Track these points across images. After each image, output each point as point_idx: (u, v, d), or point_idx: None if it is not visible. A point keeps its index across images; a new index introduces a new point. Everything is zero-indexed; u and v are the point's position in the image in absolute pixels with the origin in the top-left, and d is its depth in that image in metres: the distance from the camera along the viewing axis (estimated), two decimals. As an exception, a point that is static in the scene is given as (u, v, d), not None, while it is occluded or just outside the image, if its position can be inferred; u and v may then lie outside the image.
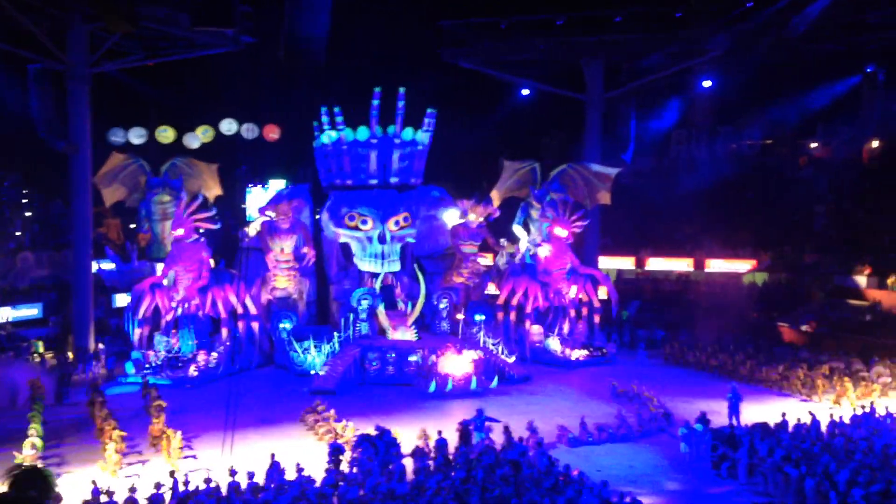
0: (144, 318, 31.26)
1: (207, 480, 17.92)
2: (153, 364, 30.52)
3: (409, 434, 21.70)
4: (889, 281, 37.97)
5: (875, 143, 47.87)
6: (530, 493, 17.00)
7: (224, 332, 31.91)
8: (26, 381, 27.11)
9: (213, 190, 38.48)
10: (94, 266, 35.45)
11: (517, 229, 37.73)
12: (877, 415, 23.67)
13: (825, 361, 31.09)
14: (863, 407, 24.69)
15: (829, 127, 50.99)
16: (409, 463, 20.02)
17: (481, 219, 35.46)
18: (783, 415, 23.18)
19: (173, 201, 33.54)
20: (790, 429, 22.24)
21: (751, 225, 47.29)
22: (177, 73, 41.74)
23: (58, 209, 45.00)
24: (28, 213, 44.76)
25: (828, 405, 26.88)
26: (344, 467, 19.54)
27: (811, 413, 23.36)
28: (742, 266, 45.91)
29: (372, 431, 21.08)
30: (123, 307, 34.58)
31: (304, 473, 18.56)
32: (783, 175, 51.36)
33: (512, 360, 31.87)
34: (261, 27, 37.06)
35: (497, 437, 21.98)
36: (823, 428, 22.39)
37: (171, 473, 18.38)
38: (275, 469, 18.95)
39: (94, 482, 17.81)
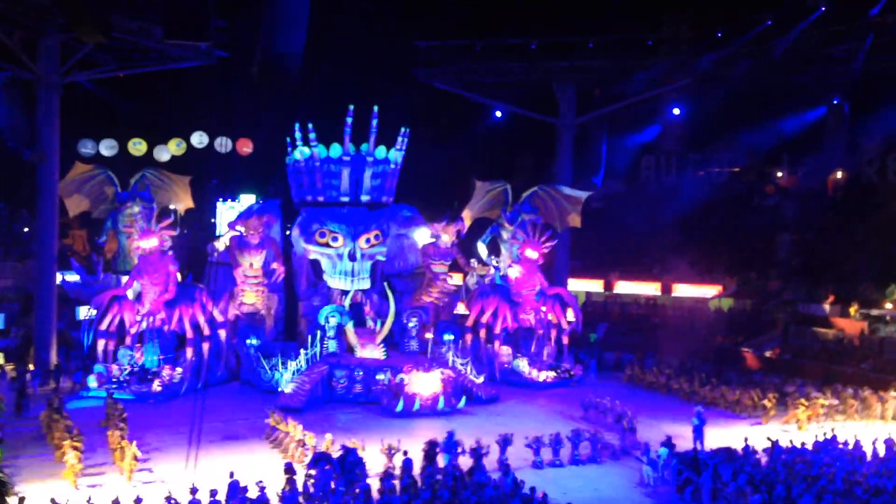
0: (108, 331, 30.79)
1: (168, 499, 17.62)
2: (117, 378, 30.03)
3: (375, 453, 21.56)
4: (851, 310, 38.62)
5: (839, 174, 48.86)
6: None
7: (189, 350, 31.47)
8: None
9: (185, 202, 38.23)
10: (59, 277, 34.88)
11: (480, 247, 37.88)
12: (839, 441, 23.95)
13: (780, 386, 31.50)
14: (825, 434, 24.98)
15: (795, 156, 51.97)
16: (374, 483, 19.87)
17: (452, 238, 35.56)
18: (745, 439, 23.40)
19: (142, 214, 33.16)
20: (753, 454, 22.44)
21: (718, 251, 47.92)
22: (149, 85, 41.50)
23: (23, 219, 44.29)
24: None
25: (780, 428, 27.30)
26: (299, 486, 19.26)
27: (769, 438, 23.59)
28: (708, 291, 46.44)
29: (335, 451, 20.91)
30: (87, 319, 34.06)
31: (267, 492, 18.33)
32: (750, 202, 52.21)
33: (480, 380, 31.85)
34: (236, 41, 37.02)
35: (465, 460, 21.90)
36: (784, 453, 22.62)
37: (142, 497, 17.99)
38: (234, 487, 18.68)
39: (52, 500, 17.41)
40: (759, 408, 29.24)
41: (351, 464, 20.26)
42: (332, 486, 19.02)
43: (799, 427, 27.44)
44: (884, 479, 19.83)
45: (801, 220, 47.71)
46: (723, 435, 25.54)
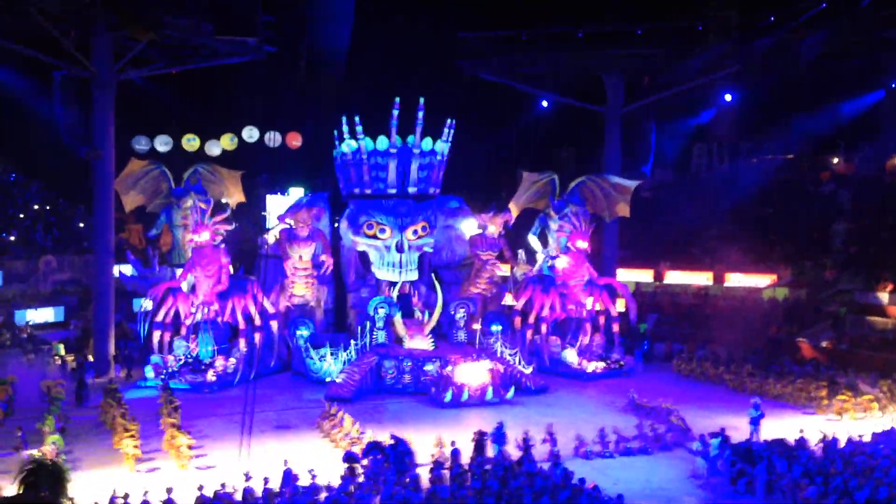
0: (164, 323, 31.50)
1: (222, 485, 18.00)
2: (172, 368, 30.74)
3: (424, 443, 21.70)
4: (910, 298, 37.56)
5: (897, 160, 47.51)
6: (545, 504, 16.95)
7: (242, 341, 32.04)
8: (39, 384, 27.39)
9: (236, 196, 38.84)
10: (116, 271, 35.80)
11: (532, 240, 37.70)
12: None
13: (833, 377, 30.86)
14: (882, 426, 24.41)
15: (851, 143, 50.65)
16: (424, 472, 20.01)
17: (500, 229, 35.53)
18: (801, 431, 22.99)
19: (196, 207, 33.78)
20: (809, 445, 22.04)
21: (771, 240, 46.98)
22: (201, 81, 42.18)
23: (80, 214, 45.53)
24: (52, 218, 45.32)
25: (839, 421, 26.71)
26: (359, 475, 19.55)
27: (821, 431, 23.13)
28: (762, 281, 45.56)
29: (386, 440, 21.11)
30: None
31: (318, 480, 18.61)
32: (804, 190, 51.02)
33: (529, 370, 31.80)
34: (283, 37, 37.41)
35: (513, 450, 21.91)
36: (842, 444, 22.18)
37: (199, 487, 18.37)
38: (288, 475, 19.01)
39: (114, 490, 17.85)
40: (813, 399, 28.68)
41: (401, 453, 20.45)
42: (383, 475, 19.21)
43: (851, 417, 26.84)
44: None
45: (857, 208, 46.51)
46: (776, 426, 25.09)
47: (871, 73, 43.07)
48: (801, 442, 22.23)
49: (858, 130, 48.54)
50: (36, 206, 45.06)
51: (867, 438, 22.87)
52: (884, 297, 38.79)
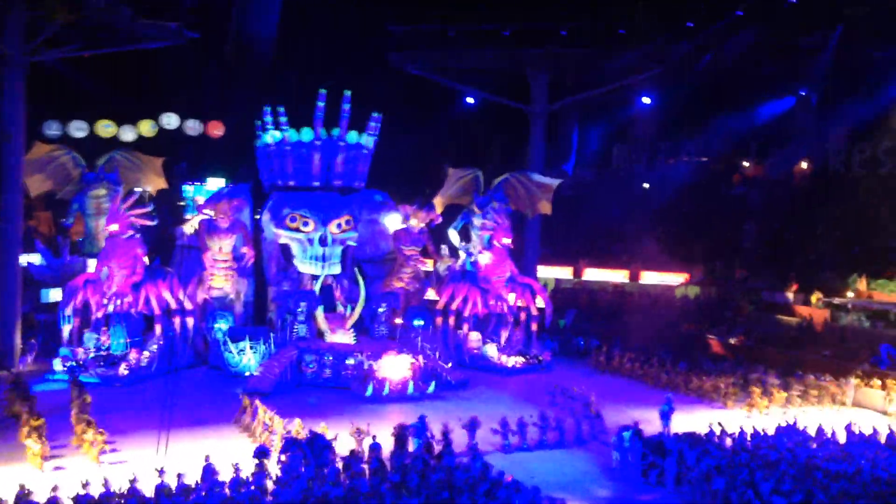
0: (75, 314, 30.47)
1: (133, 481, 17.55)
2: (82, 361, 29.75)
3: (345, 438, 21.62)
4: (813, 298, 39.36)
5: (805, 165, 49.64)
6: (463, 498, 17.11)
7: (157, 328, 31.27)
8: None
9: (156, 184, 37.79)
10: (23, 260, 34.37)
11: (452, 234, 37.96)
12: (800, 427, 24.48)
13: (744, 373, 32.07)
14: (786, 419, 25.51)
15: (762, 147, 52.64)
16: (342, 467, 19.91)
17: (423, 224, 35.61)
18: (710, 425, 23.83)
19: (109, 195, 32.75)
20: (717, 438, 22.87)
21: (685, 239, 48.52)
22: (119, 65, 40.79)
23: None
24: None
25: (746, 415, 27.80)
26: (272, 469, 19.29)
27: (719, 424, 24.01)
28: (675, 279, 47.04)
29: (304, 435, 20.93)
30: (53, 303, 33.66)
31: (241, 475, 18.33)
32: (718, 192, 52.83)
33: (449, 365, 32.00)
34: (207, 22, 36.56)
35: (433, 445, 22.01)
36: (748, 438, 23.09)
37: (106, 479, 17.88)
38: (208, 470, 18.66)
39: (21, 485, 17.20)
40: (722, 394, 29.77)
41: (319, 448, 20.30)
42: (301, 470, 19.05)
43: (759, 412, 28.02)
44: (844, 464, 20.37)
45: (766, 210, 48.44)
46: (688, 420, 25.92)
47: (782, 81, 44.90)
48: (711, 435, 23.05)
49: (769, 135, 50.49)
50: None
51: (771, 432, 23.84)
52: (790, 296, 40.56)
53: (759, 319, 40.13)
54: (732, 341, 38.26)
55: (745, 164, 54.19)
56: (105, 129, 44.68)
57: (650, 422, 24.91)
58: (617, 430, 22.97)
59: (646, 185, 54.66)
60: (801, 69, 42.51)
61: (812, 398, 29.78)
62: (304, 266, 32.55)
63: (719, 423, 23.91)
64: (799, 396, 29.57)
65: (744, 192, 51.78)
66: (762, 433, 23.50)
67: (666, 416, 24.98)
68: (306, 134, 33.19)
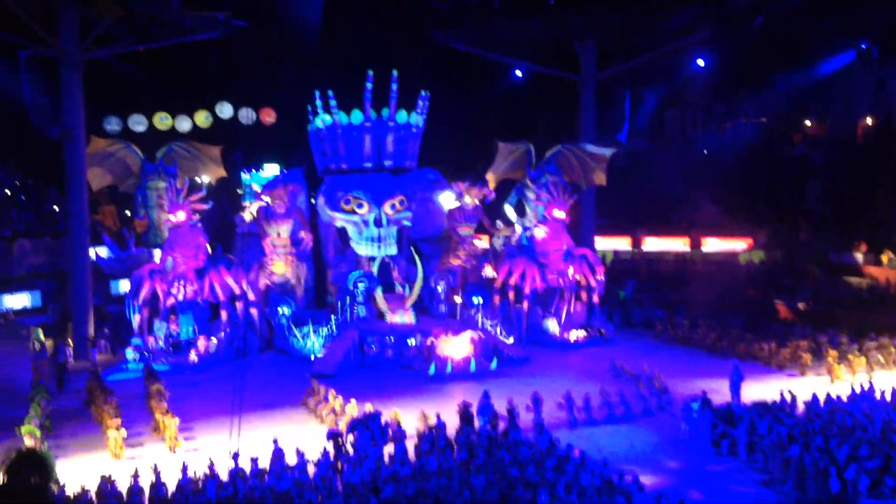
0: (143, 304, 31.29)
1: (210, 466, 17.98)
2: (153, 350, 30.58)
3: (410, 417, 21.79)
4: (883, 258, 38.12)
5: (869, 120, 47.91)
6: (531, 472, 17.11)
7: (223, 314, 31.94)
8: (31, 366, 27.11)
9: (216, 172, 38.34)
10: (92, 253, 35.37)
11: (508, 209, 37.72)
12: (876, 392, 23.80)
13: (815, 337, 31.25)
14: (861, 384, 24.82)
15: (823, 104, 50.97)
16: (410, 445, 20.10)
17: (477, 201, 35.48)
18: (781, 392, 23.34)
19: (170, 187, 33.37)
20: (789, 406, 22.40)
21: (747, 203, 47.37)
22: (171, 58, 41.41)
23: (54, 196, 44.81)
24: (24, 199, 44.56)
25: (820, 381, 27.10)
26: (345, 450, 19.56)
27: (790, 392, 23.48)
28: (738, 245, 46.05)
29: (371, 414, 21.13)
30: (122, 294, 34.58)
31: (306, 458, 18.65)
32: (778, 152, 51.40)
33: (510, 341, 31.97)
34: (253, 11, 36.77)
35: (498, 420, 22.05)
36: (822, 404, 22.55)
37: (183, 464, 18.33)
38: (277, 453, 19.03)
39: (102, 476, 17.71)
40: (794, 360, 29.10)
41: (379, 428, 20.45)
42: (371, 448, 19.29)
43: (832, 378, 27.28)
44: (922, 428, 19.76)
45: (830, 169, 46.96)
46: (759, 389, 25.49)
47: (841, 34, 43.25)
48: (782, 403, 22.57)
49: (830, 92, 48.81)
50: (7, 190, 44.23)
51: (845, 398, 23.24)
52: (858, 256, 39.34)
53: (827, 282, 39.05)
54: (801, 306, 37.32)
55: (807, 122, 52.56)
56: (162, 121, 45.65)
57: (719, 392, 24.54)
58: (684, 401, 22.66)
59: (704, 151, 53.45)
60: (860, 21, 40.84)
61: (889, 361, 28.86)
62: (361, 248, 32.78)
63: (790, 391, 23.38)
64: (876, 362, 28.60)
65: (805, 152, 50.24)
66: (836, 398, 22.92)
67: (735, 386, 24.53)
68: (356, 116, 33.29)
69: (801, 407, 22.51)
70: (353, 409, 22.13)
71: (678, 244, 47.97)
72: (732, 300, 37.80)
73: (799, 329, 33.59)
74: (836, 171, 46.39)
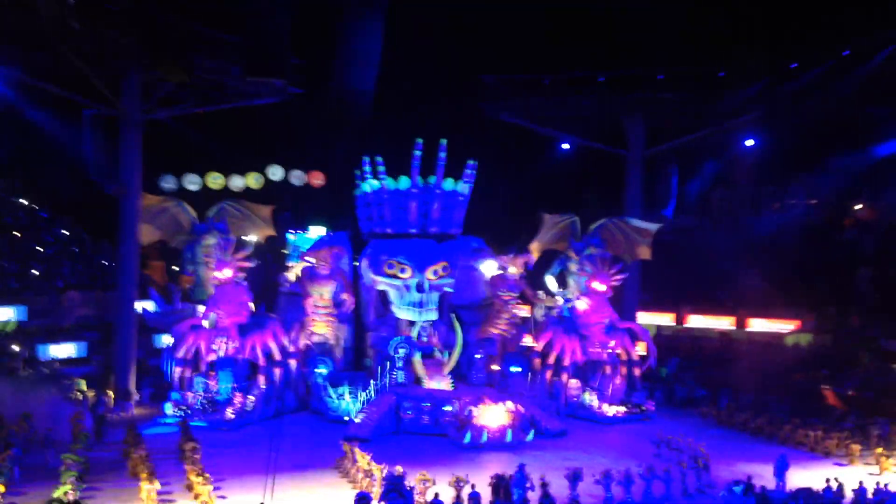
0: (184, 360, 31.61)
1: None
2: (192, 405, 30.76)
3: (443, 485, 21.46)
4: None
5: (921, 207, 47.08)
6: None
7: (261, 379, 32.06)
8: (69, 418, 27.43)
9: (265, 231, 38.93)
10: (138, 307, 36.02)
11: (549, 280, 37.62)
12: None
13: (864, 427, 30.24)
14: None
15: (874, 189, 50.31)
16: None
17: (520, 270, 35.49)
18: (826, 480, 22.53)
19: (218, 244, 34.06)
20: (834, 494, 21.58)
21: (794, 285, 46.50)
22: (227, 120, 42.75)
23: (105, 250, 45.93)
24: (76, 251, 45.73)
25: (868, 470, 26.12)
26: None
27: (836, 480, 22.64)
28: (785, 326, 45.03)
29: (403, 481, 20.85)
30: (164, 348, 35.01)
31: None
32: (828, 236, 50.63)
33: (548, 413, 31.46)
34: (310, 78, 37.99)
35: (533, 495, 21.60)
36: (870, 495, 21.69)
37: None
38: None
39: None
40: (842, 449, 28.13)
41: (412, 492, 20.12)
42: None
43: (881, 469, 26.25)
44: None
45: (881, 254, 46.06)
46: (805, 476, 24.63)
47: (894, 119, 42.93)
48: (827, 492, 21.76)
49: (882, 177, 48.22)
50: (61, 242, 45.52)
51: (893, 489, 22.33)
52: (910, 344, 38.18)
53: (877, 369, 37.87)
54: (850, 392, 36.17)
55: (857, 207, 51.85)
56: (214, 181, 46.86)
57: (762, 477, 23.76)
58: (726, 485, 21.97)
59: (749, 230, 52.93)
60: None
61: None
62: (402, 312, 32.87)
63: (836, 479, 22.54)
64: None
65: (856, 237, 49.42)
66: (884, 488, 22.01)
67: (780, 472, 23.76)
68: (403, 182, 33.82)
69: (848, 495, 21.67)
70: (380, 473, 21.80)
71: (723, 323, 47.11)
72: (778, 383, 36.82)
73: (848, 417, 32.52)
74: (887, 257, 45.48)
